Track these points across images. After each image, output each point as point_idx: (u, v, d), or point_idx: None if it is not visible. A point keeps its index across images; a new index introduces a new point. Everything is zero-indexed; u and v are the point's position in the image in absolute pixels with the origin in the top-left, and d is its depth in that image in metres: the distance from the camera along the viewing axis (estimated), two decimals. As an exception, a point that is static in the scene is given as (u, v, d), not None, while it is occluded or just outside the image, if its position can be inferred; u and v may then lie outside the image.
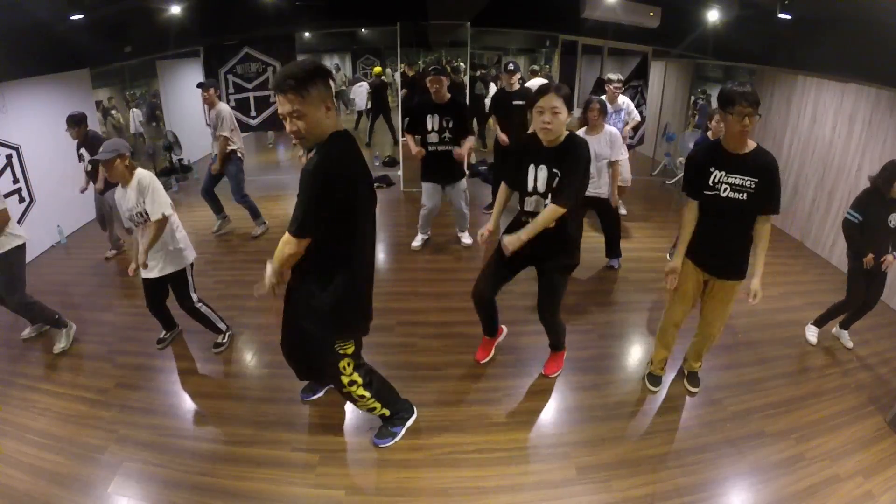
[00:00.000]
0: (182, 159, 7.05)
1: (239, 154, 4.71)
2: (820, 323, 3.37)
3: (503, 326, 3.17)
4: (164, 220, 2.80)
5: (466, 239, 4.71)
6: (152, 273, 2.91)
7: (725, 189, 2.29)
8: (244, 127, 6.15)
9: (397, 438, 2.46)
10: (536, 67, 9.23)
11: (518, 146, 2.59)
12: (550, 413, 2.74)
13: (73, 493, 2.20)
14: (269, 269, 1.96)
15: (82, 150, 4.23)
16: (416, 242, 4.66)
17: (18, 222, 4.46)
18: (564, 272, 2.61)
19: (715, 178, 2.32)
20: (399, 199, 6.31)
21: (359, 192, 1.91)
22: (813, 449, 2.49)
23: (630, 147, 5.48)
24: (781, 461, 2.41)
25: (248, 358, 3.18)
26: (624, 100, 5.13)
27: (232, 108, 5.51)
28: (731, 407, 2.77)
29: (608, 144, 3.82)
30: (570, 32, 6.63)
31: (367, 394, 2.25)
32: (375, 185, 6.47)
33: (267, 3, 5.89)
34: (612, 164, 3.88)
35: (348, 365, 2.16)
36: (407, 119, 4.42)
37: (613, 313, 3.75)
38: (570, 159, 2.33)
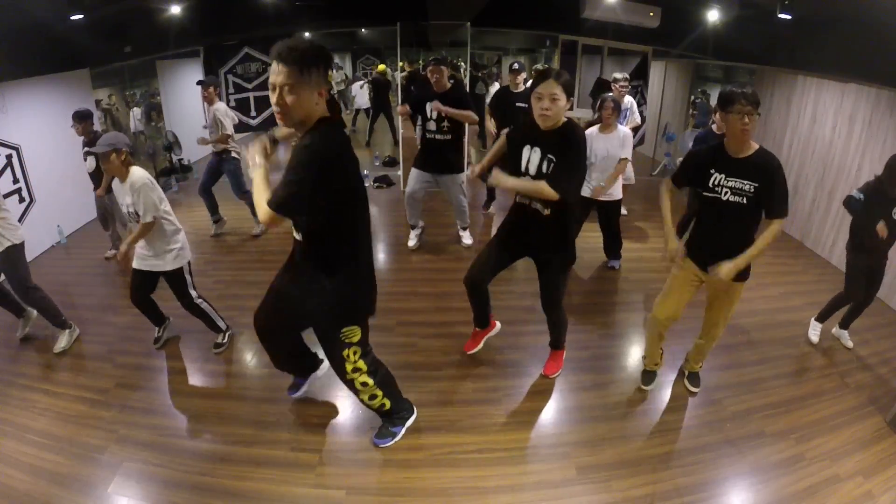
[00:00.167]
0: (182, 159, 7.05)
1: (234, 154, 4.72)
2: (822, 318, 3.35)
3: (497, 322, 3.12)
4: (150, 224, 2.79)
5: (467, 239, 4.71)
6: (143, 265, 2.92)
7: (726, 193, 2.28)
8: (244, 127, 6.15)
9: (397, 438, 2.46)
10: (540, 67, 9.22)
11: (516, 129, 2.57)
12: (550, 413, 2.74)
13: (73, 493, 2.20)
14: (254, 160, 1.89)
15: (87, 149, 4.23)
16: (412, 241, 4.63)
17: (18, 222, 4.48)
18: (562, 267, 2.61)
19: (715, 180, 2.31)
20: (399, 199, 6.29)
21: (356, 179, 1.91)
22: (813, 449, 2.49)
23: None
24: (781, 461, 2.41)
25: (248, 358, 3.18)
26: (630, 100, 5.14)
27: (232, 107, 5.51)
28: (731, 407, 2.77)
29: (620, 144, 3.83)
30: (570, 32, 6.62)
31: (371, 381, 2.23)
32: (375, 185, 6.52)
33: (267, 3, 5.90)
34: (621, 160, 3.88)
35: (354, 353, 2.15)
36: (407, 105, 4.38)
37: (613, 313, 3.75)
38: (565, 144, 2.30)
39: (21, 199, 4.57)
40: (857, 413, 2.75)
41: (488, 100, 6.77)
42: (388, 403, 2.36)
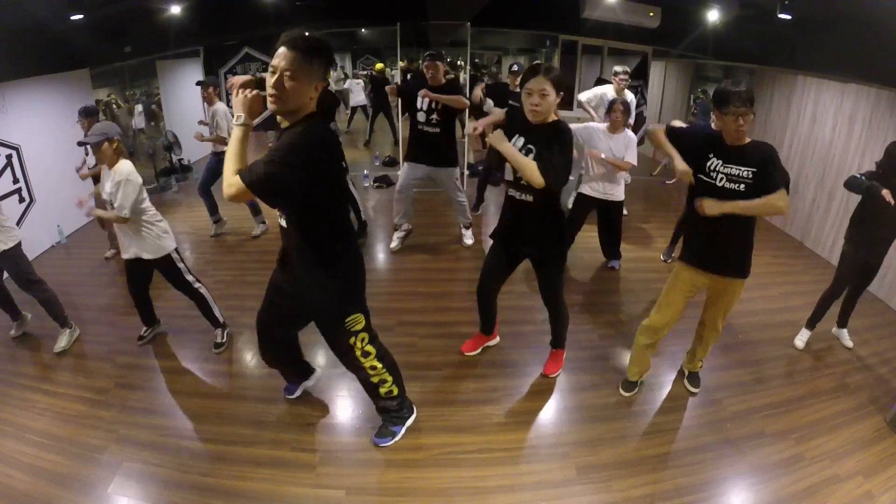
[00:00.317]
0: (182, 159, 7.05)
1: None
2: (811, 324, 3.34)
3: (498, 336, 3.21)
4: (122, 219, 2.79)
5: (468, 239, 4.70)
6: (128, 254, 2.95)
7: (721, 179, 2.26)
8: None
9: (397, 438, 2.46)
10: (538, 64, 9.22)
11: (508, 116, 2.58)
12: (550, 413, 2.74)
13: (73, 493, 2.20)
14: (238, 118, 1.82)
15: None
16: (395, 243, 4.58)
17: (18, 222, 4.49)
18: (555, 261, 2.62)
19: (711, 164, 2.29)
20: (399, 199, 6.30)
21: (340, 173, 1.96)
22: (813, 449, 2.49)
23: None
24: (781, 461, 2.41)
25: (248, 358, 3.18)
26: (630, 95, 5.14)
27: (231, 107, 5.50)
28: (731, 407, 2.77)
29: (624, 147, 3.83)
30: (570, 32, 6.63)
31: (380, 365, 2.26)
32: (375, 185, 6.52)
33: (267, 3, 5.90)
34: (625, 161, 3.88)
35: (361, 341, 2.17)
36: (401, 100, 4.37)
37: (613, 313, 3.75)
38: (551, 139, 2.30)
39: (21, 199, 4.57)
40: (857, 413, 2.75)
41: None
42: (395, 391, 2.37)
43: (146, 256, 2.94)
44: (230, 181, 1.71)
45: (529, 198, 2.43)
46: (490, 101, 4.96)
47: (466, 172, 6.32)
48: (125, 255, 2.98)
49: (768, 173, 2.17)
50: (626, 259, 4.41)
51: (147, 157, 6.44)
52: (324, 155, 1.81)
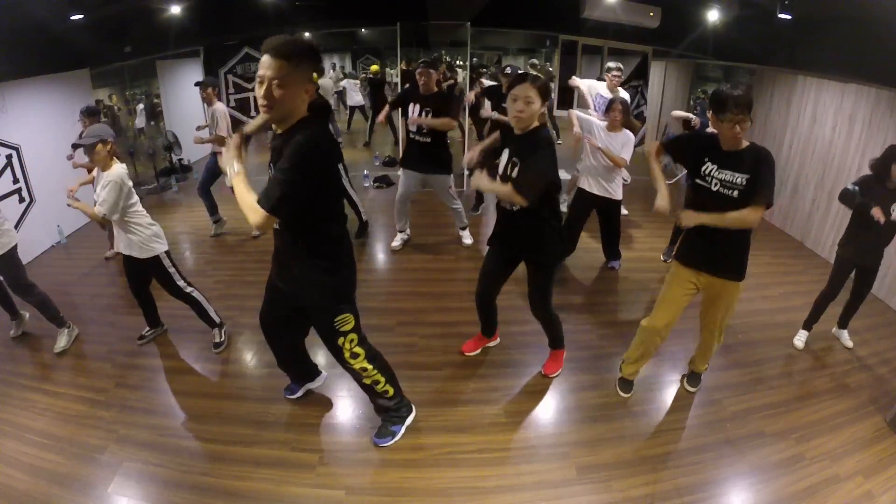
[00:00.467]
0: (182, 159, 7.05)
1: None
2: (808, 324, 3.35)
3: (498, 337, 3.23)
4: (102, 220, 2.79)
5: (467, 239, 4.71)
6: (120, 247, 2.98)
7: (716, 184, 2.26)
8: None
9: (397, 437, 2.46)
10: (535, 62, 9.27)
11: (501, 132, 2.62)
12: (550, 413, 2.74)
13: (73, 493, 2.20)
14: (232, 172, 1.86)
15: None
16: (396, 243, 4.65)
17: (18, 222, 4.49)
18: (542, 266, 2.62)
19: (706, 169, 2.29)
20: (399, 199, 6.30)
21: (337, 172, 1.95)
22: (813, 449, 2.49)
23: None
24: (781, 461, 2.41)
25: (248, 358, 3.18)
26: (623, 93, 5.14)
27: (232, 107, 5.51)
28: (731, 407, 2.77)
29: (621, 145, 3.83)
30: (570, 32, 6.62)
31: (370, 366, 2.27)
32: (375, 185, 6.53)
33: (267, 3, 5.89)
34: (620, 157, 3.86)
35: (350, 342, 2.18)
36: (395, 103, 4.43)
37: (613, 313, 3.75)
38: (530, 149, 2.34)
39: (21, 199, 4.57)
40: (857, 413, 2.75)
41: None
42: (390, 390, 2.38)
43: (134, 255, 2.95)
44: (254, 214, 1.75)
45: (515, 206, 2.44)
46: (488, 104, 4.98)
47: (466, 172, 6.32)
48: (118, 248, 3.00)
49: (757, 182, 2.17)
50: (626, 259, 4.41)
51: (147, 157, 6.44)
52: (324, 159, 1.83)
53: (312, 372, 2.76)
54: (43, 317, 3.23)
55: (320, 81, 8.69)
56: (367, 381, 2.31)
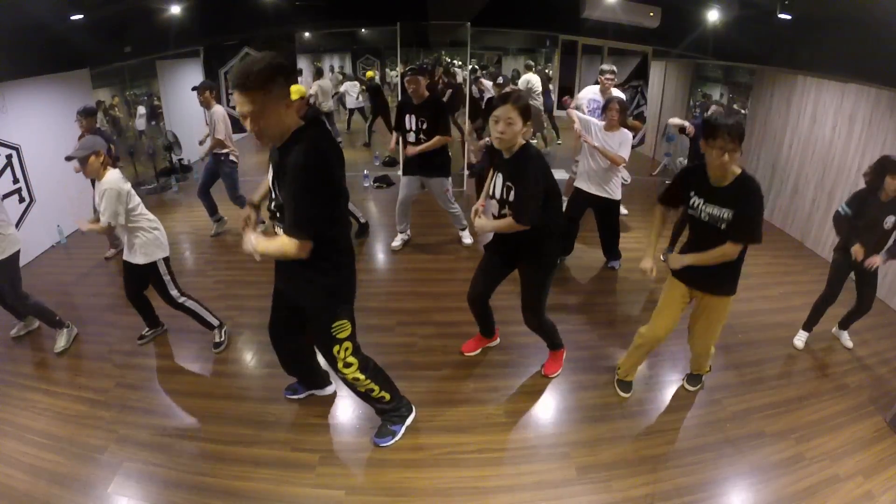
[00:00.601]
0: (182, 159, 7.05)
1: (232, 157, 4.74)
2: (808, 326, 3.35)
3: (499, 338, 3.23)
4: (106, 228, 2.81)
5: (467, 238, 4.72)
6: (123, 253, 2.99)
7: (705, 216, 2.30)
8: (243, 128, 6.14)
9: (397, 437, 2.47)
10: (531, 62, 9.33)
11: (491, 155, 2.67)
12: (550, 413, 2.74)
13: (73, 493, 2.20)
14: (253, 246, 1.90)
15: None
16: (396, 243, 4.67)
17: (18, 222, 4.49)
18: (541, 271, 2.62)
19: (694, 202, 2.34)
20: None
21: (342, 176, 1.95)
22: (813, 449, 2.49)
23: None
24: (781, 461, 2.41)
25: (248, 358, 3.18)
26: (618, 94, 5.14)
27: (232, 107, 5.50)
28: (731, 407, 2.77)
29: (618, 144, 3.83)
30: (570, 32, 6.63)
31: (362, 376, 2.26)
32: (375, 185, 6.53)
33: (267, 3, 5.90)
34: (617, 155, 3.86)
35: (345, 350, 2.17)
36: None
37: (613, 313, 3.75)
38: (521, 174, 2.35)
39: (21, 199, 4.57)
40: (857, 413, 2.75)
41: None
42: (387, 396, 2.38)
43: (133, 261, 2.95)
44: (292, 249, 1.83)
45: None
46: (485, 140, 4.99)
47: (466, 172, 6.32)
48: (123, 257, 3.01)
49: (743, 218, 2.18)
50: (626, 259, 4.41)
51: (147, 157, 6.44)
52: (328, 169, 1.83)
53: (320, 381, 2.75)
54: (42, 323, 3.24)
55: (319, 83, 8.78)
56: (362, 390, 2.32)
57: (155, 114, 7.16)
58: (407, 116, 4.17)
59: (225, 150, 4.65)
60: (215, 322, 3.22)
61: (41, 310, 3.18)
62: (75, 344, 3.27)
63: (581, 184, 4.04)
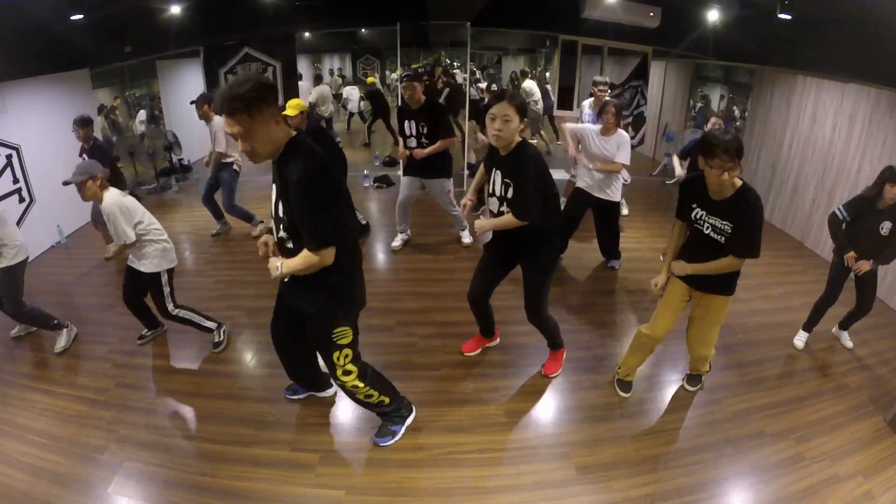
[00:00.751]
0: (182, 159, 7.05)
1: (235, 167, 4.76)
2: (808, 327, 3.35)
3: (499, 338, 3.23)
4: (124, 245, 2.86)
5: (466, 238, 4.72)
6: (129, 261, 3.02)
7: (707, 228, 2.31)
8: None
9: (397, 437, 2.47)
10: (527, 69, 9.44)
11: (488, 152, 2.67)
12: (550, 413, 2.74)
13: (73, 493, 2.20)
14: (280, 270, 1.94)
15: (83, 157, 4.23)
16: (396, 243, 4.68)
17: (18, 222, 4.48)
18: (541, 270, 2.62)
19: (696, 214, 2.35)
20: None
21: (342, 180, 1.96)
22: (813, 449, 2.49)
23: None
24: (781, 461, 2.42)
25: (248, 358, 3.18)
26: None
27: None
28: (731, 407, 2.77)
29: (616, 146, 3.84)
30: (570, 32, 6.61)
31: (361, 384, 2.26)
32: (375, 185, 6.52)
33: (267, 3, 5.88)
34: (615, 163, 3.87)
35: (345, 357, 2.17)
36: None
37: (613, 313, 3.75)
38: (519, 170, 2.36)
39: (21, 199, 4.57)
40: (857, 413, 2.75)
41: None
42: (386, 400, 2.38)
43: (137, 267, 2.97)
44: (314, 260, 1.87)
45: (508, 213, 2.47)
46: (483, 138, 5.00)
47: (466, 172, 6.32)
48: (128, 262, 3.04)
49: (742, 232, 2.20)
50: (626, 259, 4.41)
51: (147, 157, 6.44)
52: (329, 177, 1.84)
53: (321, 385, 2.74)
54: (41, 329, 3.24)
55: (318, 89, 8.82)
56: (361, 397, 2.32)
57: (155, 117, 7.17)
58: (406, 122, 4.19)
59: (230, 160, 4.69)
60: (212, 326, 3.22)
61: (37, 316, 3.18)
62: (75, 344, 3.27)
63: (581, 184, 4.04)
